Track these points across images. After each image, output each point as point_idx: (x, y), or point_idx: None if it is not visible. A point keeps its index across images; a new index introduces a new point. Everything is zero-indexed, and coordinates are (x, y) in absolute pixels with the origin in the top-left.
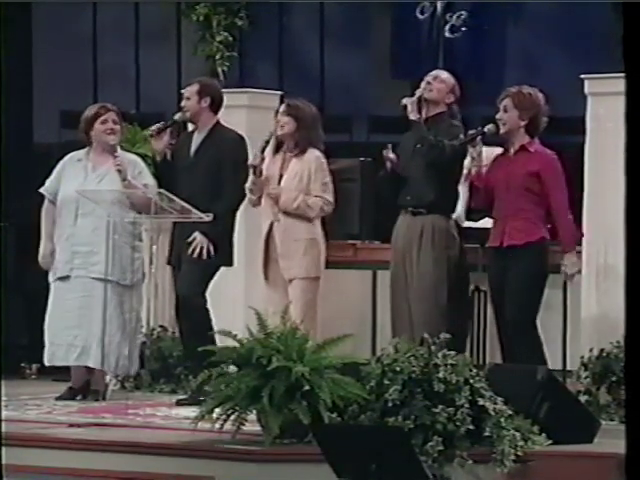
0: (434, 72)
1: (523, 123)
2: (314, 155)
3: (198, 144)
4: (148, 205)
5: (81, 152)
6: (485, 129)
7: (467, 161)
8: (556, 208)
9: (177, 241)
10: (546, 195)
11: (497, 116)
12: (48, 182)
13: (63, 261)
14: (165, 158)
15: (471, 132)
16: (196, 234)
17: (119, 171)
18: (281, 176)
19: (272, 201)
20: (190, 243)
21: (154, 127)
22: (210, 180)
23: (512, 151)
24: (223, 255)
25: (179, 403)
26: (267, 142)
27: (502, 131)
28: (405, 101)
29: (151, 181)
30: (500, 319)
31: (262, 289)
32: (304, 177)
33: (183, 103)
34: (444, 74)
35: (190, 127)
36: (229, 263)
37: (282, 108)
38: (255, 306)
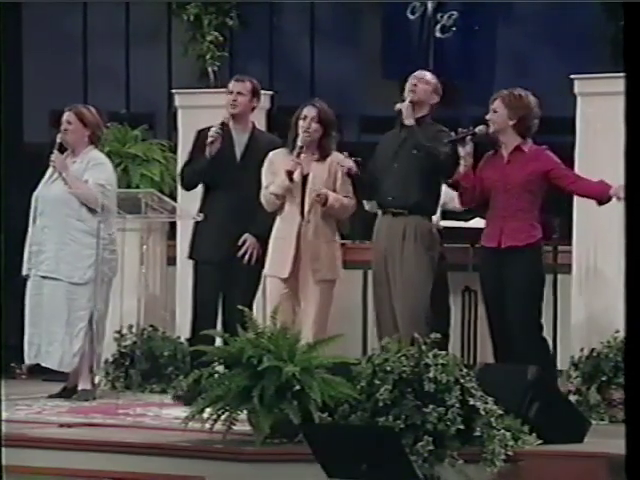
0: (417, 73)
1: (511, 122)
2: (339, 158)
3: (244, 147)
4: (95, 202)
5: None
6: (476, 129)
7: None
8: (574, 177)
9: (216, 239)
10: (562, 179)
11: (487, 116)
12: None
13: (25, 261)
14: (210, 156)
15: (461, 131)
16: (247, 236)
17: (53, 167)
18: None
19: (308, 203)
20: (240, 246)
21: (218, 131)
22: (259, 184)
23: (506, 152)
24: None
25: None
26: (301, 147)
27: (491, 130)
28: (399, 106)
29: (98, 177)
30: (495, 320)
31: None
32: (329, 179)
33: (234, 97)
34: (427, 75)
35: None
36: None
37: (312, 112)
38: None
